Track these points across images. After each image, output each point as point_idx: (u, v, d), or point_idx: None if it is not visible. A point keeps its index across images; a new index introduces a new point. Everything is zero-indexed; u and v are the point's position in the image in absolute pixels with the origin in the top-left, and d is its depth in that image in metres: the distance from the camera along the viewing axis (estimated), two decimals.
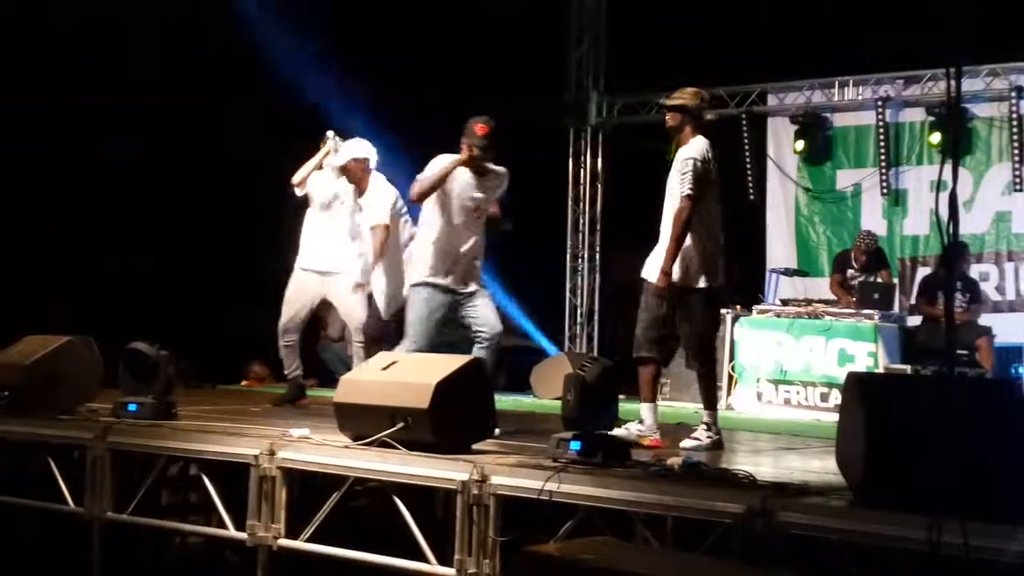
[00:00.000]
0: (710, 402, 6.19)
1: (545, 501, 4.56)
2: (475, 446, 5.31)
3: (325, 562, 5.33)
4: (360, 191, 7.69)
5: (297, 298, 7.92)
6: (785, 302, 10.43)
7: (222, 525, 5.73)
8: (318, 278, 7.90)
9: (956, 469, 3.42)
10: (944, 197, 3.47)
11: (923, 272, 11.25)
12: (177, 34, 10.01)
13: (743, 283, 11.54)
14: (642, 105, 12.58)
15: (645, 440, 5.93)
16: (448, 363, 5.44)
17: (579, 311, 13.27)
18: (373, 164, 7.73)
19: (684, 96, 6.13)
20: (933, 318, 9.83)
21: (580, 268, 13.34)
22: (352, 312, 7.90)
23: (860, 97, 11.84)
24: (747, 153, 12.20)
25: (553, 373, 10.11)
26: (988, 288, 10.98)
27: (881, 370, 9.07)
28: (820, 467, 5.50)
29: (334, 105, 9.85)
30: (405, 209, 7.71)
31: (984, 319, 10.26)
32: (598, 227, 13.30)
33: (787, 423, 8.63)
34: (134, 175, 10.05)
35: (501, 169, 6.72)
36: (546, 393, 10.29)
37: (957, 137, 8.56)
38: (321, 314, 9.42)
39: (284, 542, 5.40)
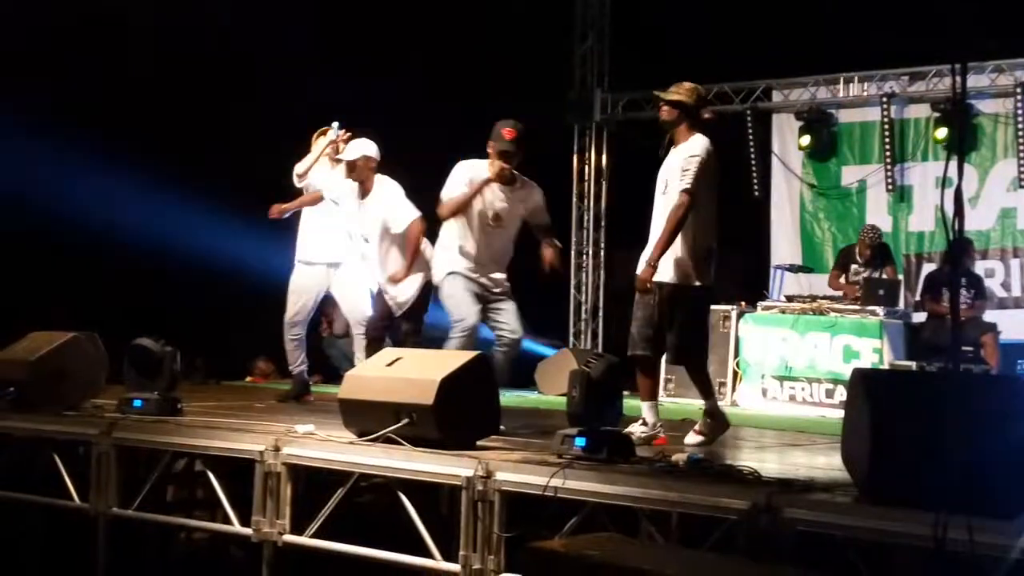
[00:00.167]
0: (707, 392, 6.11)
1: (550, 497, 4.55)
2: (480, 442, 5.30)
3: (330, 558, 5.33)
4: (364, 191, 7.58)
5: (303, 291, 7.89)
6: (790, 298, 10.41)
7: (227, 521, 5.73)
8: (324, 270, 7.88)
9: (961, 465, 3.41)
10: (949, 193, 3.46)
11: (928, 268, 11.23)
12: (177, 34, 10.01)
13: (748, 279, 11.54)
14: (646, 101, 12.53)
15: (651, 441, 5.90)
16: (453, 359, 5.43)
17: (584, 308, 13.28)
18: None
19: (682, 92, 5.96)
20: (938, 314, 9.82)
21: (585, 265, 13.34)
22: (355, 306, 7.86)
23: (865, 93, 11.82)
24: (752, 149, 12.19)
25: (558, 369, 10.13)
26: (993, 284, 10.96)
27: (886, 366, 9.05)
28: (825, 463, 5.50)
29: (334, 104, 9.82)
30: None
31: (989, 315, 10.24)
32: (602, 224, 13.29)
33: (792, 419, 8.62)
34: (134, 174, 10.05)
35: (531, 183, 6.62)
36: (551, 389, 10.31)
37: (962, 133, 8.51)
38: (326, 310, 9.41)
39: (289, 538, 5.40)
